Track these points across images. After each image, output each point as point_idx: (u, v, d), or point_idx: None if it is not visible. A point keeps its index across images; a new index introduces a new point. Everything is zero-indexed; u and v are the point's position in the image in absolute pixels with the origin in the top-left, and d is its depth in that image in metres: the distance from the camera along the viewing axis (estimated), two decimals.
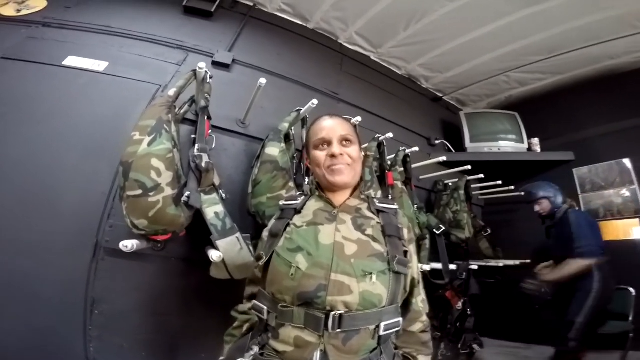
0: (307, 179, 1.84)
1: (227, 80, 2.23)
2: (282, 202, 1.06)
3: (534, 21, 2.64)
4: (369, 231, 0.93)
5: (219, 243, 1.34)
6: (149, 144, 1.28)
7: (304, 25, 2.85)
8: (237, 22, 2.57)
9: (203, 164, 1.42)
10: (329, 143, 0.99)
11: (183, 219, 1.31)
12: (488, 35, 2.82)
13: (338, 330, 0.78)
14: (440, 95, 3.68)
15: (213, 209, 1.40)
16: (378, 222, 0.97)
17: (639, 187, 2.91)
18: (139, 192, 1.21)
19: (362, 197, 1.05)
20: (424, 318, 1.00)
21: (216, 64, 2.25)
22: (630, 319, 2.47)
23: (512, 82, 3.44)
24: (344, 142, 1.00)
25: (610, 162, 3.09)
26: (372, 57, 3.19)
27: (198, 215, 1.43)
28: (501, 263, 2.83)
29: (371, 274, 0.83)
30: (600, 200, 3.10)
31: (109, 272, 1.56)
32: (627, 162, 3.01)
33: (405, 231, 0.99)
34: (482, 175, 2.89)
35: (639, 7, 2.46)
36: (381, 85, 3.13)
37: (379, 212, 1.00)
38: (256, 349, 0.85)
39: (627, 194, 2.97)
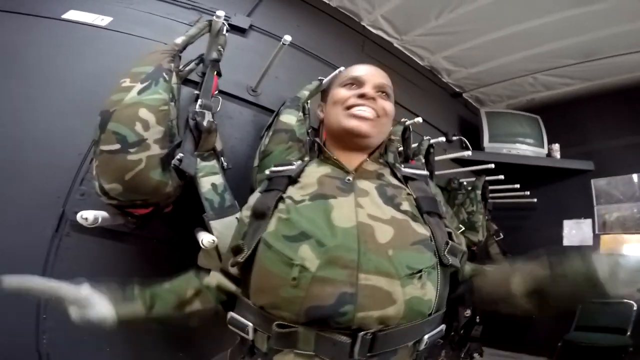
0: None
1: (242, 45, 1.91)
2: (270, 169, 0.72)
3: (575, 22, 2.30)
4: (405, 206, 0.60)
5: (213, 224, 0.96)
6: (140, 92, 0.94)
7: (327, 1, 2.50)
8: None
9: (205, 122, 1.05)
10: (360, 83, 0.70)
11: (170, 188, 0.95)
12: (523, 33, 2.48)
13: (368, 355, 0.49)
14: (460, 91, 3.32)
15: (210, 179, 1.02)
16: (409, 194, 0.64)
17: None
18: (117, 146, 0.85)
19: (381, 160, 0.72)
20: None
21: (232, 28, 1.91)
22: (629, 333, 2.26)
23: (538, 84, 3.08)
24: (381, 92, 0.70)
25: (631, 175, 2.78)
26: (395, 44, 2.83)
27: (189, 187, 1.08)
28: None
29: (420, 271, 0.54)
30: (614, 213, 2.81)
31: (74, 250, 1.18)
32: None
33: (442, 205, 0.67)
34: (502, 177, 2.56)
35: None
36: (402, 72, 2.77)
37: (406, 180, 0.67)
38: None
39: None
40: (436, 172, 2.51)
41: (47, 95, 1.40)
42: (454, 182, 2.61)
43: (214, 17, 1.33)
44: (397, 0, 2.42)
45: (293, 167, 0.69)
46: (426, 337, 0.56)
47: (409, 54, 2.93)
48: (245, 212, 0.69)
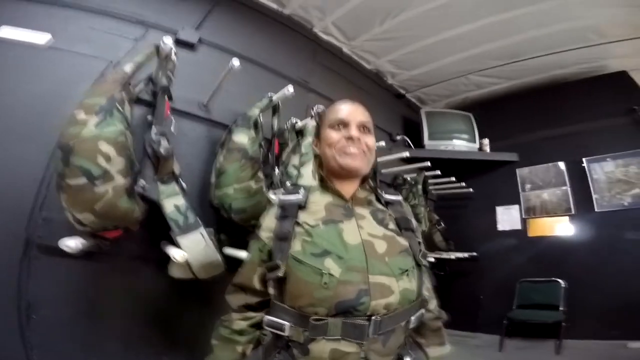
0: (276, 170, 1.67)
1: (191, 60, 1.92)
2: (279, 197, 0.88)
3: (501, 26, 2.64)
4: (391, 225, 0.84)
5: (180, 240, 1.11)
6: (97, 125, 1.02)
7: (280, 10, 2.60)
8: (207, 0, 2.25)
9: (162, 150, 1.16)
10: (346, 125, 0.85)
11: (137, 213, 1.07)
12: (456, 37, 2.78)
13: (378, 334, 0.71)
14: (404, 92, 3.61)
15: (172, 201, 1.16)
16: (390, 215, 0.87)
17: (570, 188, 3.10)
18: (83, 180, 0.95)
19: (367, 188, 0.91)
20: (434, 303, 0.92)
21: (179, 43, 1.91)
22: (562, 308, 2.62)
23: (471, 84, 3.45)
24: (363, 129, 0.87)
25: (548, 164, 3.25)
26: (345, 49, 3.02)
27: (152, 206, 1.19)
28: (453, 255, 2.88)
29: (407, 270, 0.77)
30: (537, 199, 3.27)
31: (46, 272, 1.25)
32: (561, 165, 3.19)
33: (413, 222, 0.90)
34: (439, 172, 2.89)
35: (596, 21, 2.54)
36: (350, 78, 2.98)
37: (387, 204, 0.90)
38: None
39: (560, 194, 3.15)
40: (383, 171, 2.78)
41: None
42: (398, 178, 2.89)
43: (161, 43, 1.38)
44: (346, 8, 2.59)
45: (300, 196, 0.85)
46: (413, 318, 0.78)
47: (357, 59, 3.14)
48: (265, 234, 0.83)
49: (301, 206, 0.83)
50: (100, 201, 0.97)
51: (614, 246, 2.71)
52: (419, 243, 0.86)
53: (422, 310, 0.84)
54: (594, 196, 2.92)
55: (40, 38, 1.56)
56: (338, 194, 0.86)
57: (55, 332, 1.25)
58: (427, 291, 0.92)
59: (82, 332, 1.30)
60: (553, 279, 2.80)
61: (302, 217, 0.81)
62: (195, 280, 1.26)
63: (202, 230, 1.20)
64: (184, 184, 1.28)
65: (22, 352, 1.19)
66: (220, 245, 1.38)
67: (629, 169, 2.85)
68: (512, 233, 3.29)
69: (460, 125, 3.42)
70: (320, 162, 0.93)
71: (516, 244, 3.20)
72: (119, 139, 1.06)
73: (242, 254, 1.31)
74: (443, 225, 3.12)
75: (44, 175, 1.31)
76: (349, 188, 0.87)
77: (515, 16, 2.51)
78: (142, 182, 1.10)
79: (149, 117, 1.34)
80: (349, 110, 0.88)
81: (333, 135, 0.86)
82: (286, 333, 0.73)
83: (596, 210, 2.89)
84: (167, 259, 1.17)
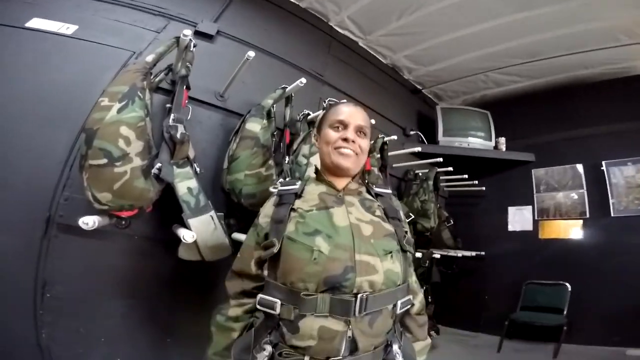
0: (287, 158, 1.74)
1: (209, 51, 2.00)
2: (277, 188, 0.97)
3: (522, 25, 2.60)
4: (378, 212, 0.92)
5: (191, 221, 1.20)
6: (119, 111, 1.11)
7: (296, 3, 2.65)
8: None
9: (178, 135, 1.26)
10: (345, 126, 0.94)
11: (152, 194, 1.16)
12: (476, 34, 2.76)
13: (364, 313, 0.76)
14: (420, 87, 3.60)
15: (186, 184, 1.26)
16: (379, 205, 0.95)
17: (587, 191, 3.05)
18: (104, 161, 1.04)
19: (359, 182, 1.01)
20: (420, 297, 0.99)
21: (199, 34, 2.00)
22: (565, 312, 2.61)
23: (490, 82, 3.42)
24: (359, 132, 0.95)
25: (565, 166, 3.20)
26: (360, 44, 3.04)
27: (165, 190, 1.28)
28: (460, 253, 2.89)
29: (391, 252, 0.83)
30: (551, 201, 3.23)
31: (63, 250, 1.34)
32: (580, 167, 3.13)
33: (401, 213, 0.98)
34: (451, 168, 2.90)
35: (625, 21, 2.48)
36: (365, 71, 3.00)
37: (377, 195, 0.99)
38: (269, 348, 0.78)
39: (576, 197, 3.11)
40: (395, 165, 2.81)
41: (21, 107, 1.47)
42: (409, 173, 2.92)
43: (182, 35, 1.46)
44: (362, 2, 2.61)
45: (296, 186, 0.94)
46: (399, 302, 0.83)
47: (373, 53, 3.16)
48: (264, 219, 0.91)
49: (297, 195, 0.92)
50: (119, 181, 1.06)
51: (626, 252, 2.67)
52: (406, 232, 0.93)
53: (409, 297, 0.89)
54: (611, 201, 2.87)
55: (67, 29, 1.68)
56: (331, 185, 0.94)
57: (65, 310, 1.34)
58: (416, 283, 0.98)
59: (91, 310, 1.40)
60: (560, 282, 2.79)
61: (298, 203, 0.90)
62: (202, 263, 1.35)
63: (213, 213, 1.29)
64: (197, 168, 1.37)
65: (33, 330, 1.29)
66: (229, 229, 1.48)
67: None
68: (523, 234, 3.27)
69: (477, 122, 3.40)
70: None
71: (526, 246, 3.18)
72: (139, 124, 1.14)
73: None
74: (452, 222, 3.13)
75: (68, 158, 1.42)
76: (341, 182, 0.96)
77: (537, 15, 2.48)
78: (158, 164, 1.19)
79: (168, 105, 1.43)
80: (350, 113, 0.96)
81: (331, 134, 0.94)
82: (277, 311, 0.78)
83: (612, 215, 2.84)
84: (176, 241, 1.25)
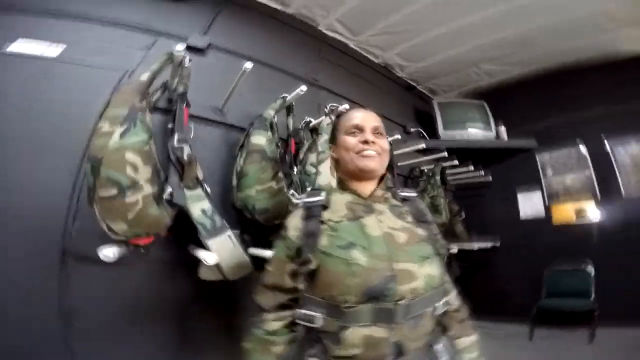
0: (295, 169, 1.69)
1: (203, 65, 1.94)
2: (303, 200, 0.94)
3: (508, 15, 2.60)
4: (409, 218, 0.90)
5: (210, 243, 1.16)
6: (122, 136, 1.06)
7: (284, 10, 2.63)
8: (211, 4, 2.26)
9: (185, 156, 1.21)
10: (361, 130, 0.93)
11: (167, 219, 1.12)
12: (463, 27, 2.75)
13: (408, 318, 0.76)
14: (414, 84, 3.60)
15: (199, 206, 1.20)
16: (407, 210, 0.93)
17: (594, 172, 3.05)
18: (114, 192, 0.99)
19: (384, 187, 0.98)
20: (455, 294, 0.96)
21: (190, 49, 1.94)
22: (593, 296, 2.58)
23: (482, 73, 3.41)
24: (376, 133, 0.94)
25: (569, 148, 3.21)
26: (351, 45, 3.03)
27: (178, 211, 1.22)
28: (476, 246, 2.85)
29: (428, 257, 0.82)
30: (560, 185, 3.23)
31: (83, 280, 1.31)
32: (583, 148, 3.14)
33: (429, 216, 0.96)
34: (456, 162, 2.87)
35: (609, 6, 2.49)
36: (359, 72, 2.99)
37: (403, 200, 0.96)
38: None
39: (584, 178, 3.10)
40: (400, 163, 2.77)
41: (15, 138, 1.41)
42: (415, 170, 2.89)
43: (174, 51, 1.42)
44: (349, 4, 2.59)
45: (322, 197, 0.91)
46: (438, 304, 0.82)
47: (364, 53, 3.15)
48: (293, 233, 0.88)
49: (324, 206, 0.90)
50: (132, 211, 1.02)
51: None
52: (436, 234, 0.91)
53: (447, 298, 0.88)
54: (620, 180, 2.88)
55: (52, 51, 1.62)
56: (357, 194, 0.92)
57: (96, 338, 1.30)
58: (448, 283, 0.95)
59: (122, 336, 1.36)
60: (582, 267, 2.76)
61: (326, 215, 0.87)
62: (223, 282, 1.30)
63: (230, 232, 1.23)
64: (208, 189, 1.32)
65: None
66: (244, 245, 1.42)
67: None
68: (536, 221, 3.24)
69: (475, 113, 3.39)
70: (337, 165, 1.00)
71: (540, 232, 3.15)
72: (144, 148, 1.09)
73: (267, 253, 1.34)
74: (464, 215, 3.09)
75: (74, 186, 1.37)
76: (366, 188, 0.93)
77: (522, 5, 2.48)
78: (169, 189, 1.14)
79: (170, 125, 1.37)
80: (363, 117, 0.96)
81: (349, 140, 0.93)
82: (318, 324, 0.77)
83: (624, 195, 2.84)
84: (194, 261, 1.21)
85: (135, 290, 1.41)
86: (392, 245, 0.81)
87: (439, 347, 0.82)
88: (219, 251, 1.15)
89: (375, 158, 0.91)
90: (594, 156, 3.06)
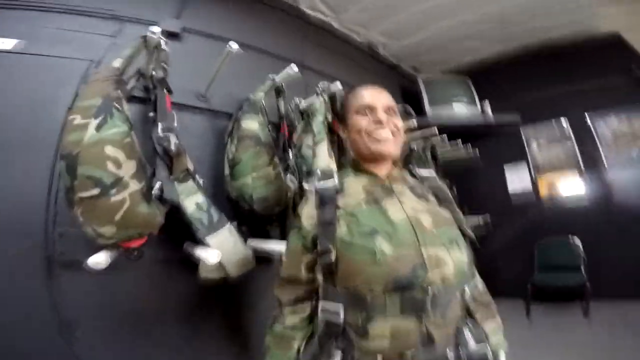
0: (290, 152, 1.59)
1: (178, 50, 1.77)
2: (315, 186, 0.86)
3: None
4: (431, 198, 0.83)
5: (209, 240, 1.05)
6: (98, 128, 0.94)
7: None
8: None
9: (172, 147, 1.09)
10: (372, 109, 0.85)
11: (159, 217, 1.00)
12: (444, 4, 2.71)
13: (438, 306, 0.71)
14: (397, 62, 3.53)
15: (193, 200, 1.09)
16: (427, 189, 0.87)
17: (577, 144, 3.14)
18: (95, 191, 0.88)
19: (401, 166, 0.92)
20: (478, 277, 0.91)
21: (163, 34, 1.82)
22: (583, 269, 2.64)
23: (464, 50, 3.39)
24: (389, 111, 0.86)
25: (551, 121, 3.29)
26: (334, 25, 2.91)
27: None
28: (470, 222, 2.85)
29: (456, 240, 0.78)
30: (545, 158, 3.31)
31: (76, 288, 1.19)
32: (564, 122, 3.23)
33: (450, 194, 0.90)
34: (445, 136, 2.83)
35: None
36: (343, 52, 2.90)
37: (422, 178, 0.91)
38: (338, 353, 0.72)
39: (568, 151, 3.18)
40: None
41: None
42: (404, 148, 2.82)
43: (149, 33, 1.29)
44: None
45: (334, 181, 0.84)
46: (467, 288, 0.78)
47: (347, 32, 3.03)
48: (308, 221, 0.81)
49: (338, 191, 0.83)
50: (119, 211, 0.91)
51: (628, 202, 2.72)
52: (460, 214, 0.86)
53: (474, 280, 0.84)
54: (602, 151, 2.96)
55: (6, 44, 1.46)
56: (373, 175, 0.86)
57: (100, 345, 1.22)
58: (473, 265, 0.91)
59: (125, 340, 1.27)
60: (569, 237, 2.83)
61: (342, 201, 0.81)
62: (226, 277, 1.20)
63: (229, 225, 1.14)
64: (200, 181, 1.20)
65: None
66: (243, 238, 1.32)
67: (632, 122, 2.90)
68: (524, 194, 3.31)
69: (459, 90, 3.37)
70: (339, 144, 0.97)
71: (529, 206, 3.22)
72: (125, 140, 0.98)
73: (268, 244, 1.26)
74: (456, 191, 3.07)
75: (50, 187, 1.23)
76: (383, 169, 0.87)
77: None
78: (158, 184, 1.02)
79: (151, 114, 1.25)
80: (374, 94, 0.89)
81: (361, 120, 0.86)
82: (341, 317, 0.72)
83: (606, 166, 2.92)
84: (191, 262, 1.11)
85: (134, 294, 1.30)
86: (418, 229, 0.75)
87: (466, 331, 0.77)
88: (220, 247, 1.04)
89: (390, 141, 0.84)
90: (577, 130, 3.13)
